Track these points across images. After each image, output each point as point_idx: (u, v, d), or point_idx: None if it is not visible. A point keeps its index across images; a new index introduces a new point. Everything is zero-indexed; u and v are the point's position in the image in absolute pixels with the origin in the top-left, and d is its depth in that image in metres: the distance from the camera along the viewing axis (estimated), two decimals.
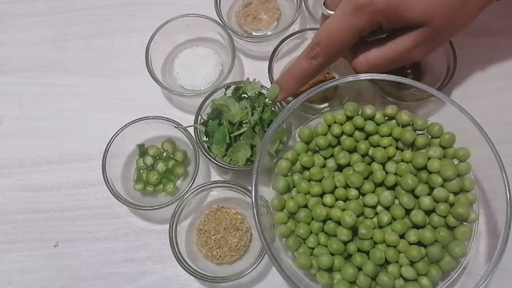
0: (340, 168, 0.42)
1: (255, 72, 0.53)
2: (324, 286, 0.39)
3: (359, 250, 0.39)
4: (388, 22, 0.34)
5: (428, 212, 0.39)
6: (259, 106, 0.44)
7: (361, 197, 0.40)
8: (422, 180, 0.40)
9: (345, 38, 0.35)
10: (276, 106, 0.45)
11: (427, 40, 0.35)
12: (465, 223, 0.39)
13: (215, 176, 0.50)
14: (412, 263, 0.38)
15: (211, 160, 0.45)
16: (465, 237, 0.38)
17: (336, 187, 0.40)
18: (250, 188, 0.38)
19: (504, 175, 0.37)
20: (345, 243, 0.39)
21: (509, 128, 0.49)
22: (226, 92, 0.47)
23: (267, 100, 0.42)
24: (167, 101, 0.53)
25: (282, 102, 0.44)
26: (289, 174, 0.42)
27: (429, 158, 0.40)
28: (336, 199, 0.40)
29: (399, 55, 0.36)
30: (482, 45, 0.53)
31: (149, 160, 0.49)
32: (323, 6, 0.39)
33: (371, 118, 0.43)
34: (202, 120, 0.47)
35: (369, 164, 0.42)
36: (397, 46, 0.35)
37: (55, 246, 0.48)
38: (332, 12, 0.37)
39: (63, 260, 0.47)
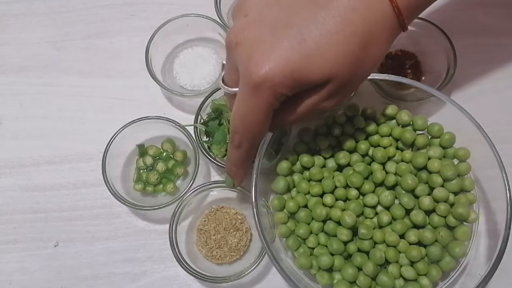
0: (340, 168, 0.42)
1: None
2: (324, 286, 0.39)
3: (359, 250, 0.39)
4: (292, 91, 0.31)
5: (428, 212, 0.39)
6: None
7: (361, 197, 0.40)
8: (422, 180, 0.40)
9: (258, 119, 0.32)
10: None
11: (335, 93, 0.32)
12: (465, 223, 0.39)
13: (215, 176, 0.50)
14: (412, 263, 0.38)
15: (211, 160, 0.45)
16: (465, 237, 0.38)
17: (336, 187, 0.40)
18: (250, 188, 0.38)
19: (504, 175, 0.37)
20: (345, 243, 0.39)
21: (509, 128, 0.49)
22: None
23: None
24: (167, 101, 0.53)
25: None
26: (289, 174, 0.42)
27: (429, 158, 0.40)
28: (336, 199, 0.40)
29: (309, 111, 0.33)
30: (482, 45, 0.53)
31: (149, 160, 0.49)
32: (222, 84, 0.36)
33: (371, 118, 0.43)
34: (202, 120, 0.47)
35: (369, 164, 0.42)
36: (305, 104, 0.33)
37: (55, 246, 0.48)
38: (234, 89, 0.34)
39: (63, 260, 0.47)
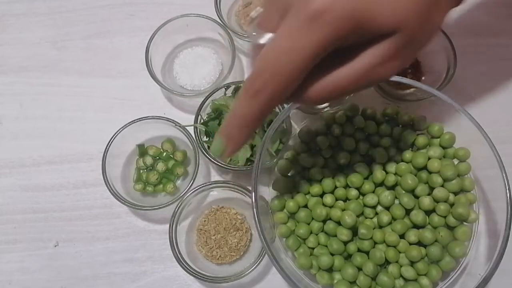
0: (340, 168, 0.42)
1: None
2: (324, 286, 0.39)
3: (359, 250, 0.39)
4: (354, 33, 0.25)
5: (428, 212, 0.39)
6: None
7: (361, 197, 0.40)
8: (422, 180, 0.40)
9: (300, 62, 0.24)
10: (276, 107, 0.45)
11: (399, 51, 0.26)
12: (465, 223, 0.39)
13: (215, 176, 0.50)
14: (412, 263, 0.38)
15: (211, 160, 0.45)
16: (465, 237, 0.38)
17: (336, 187, 0.40)
18: (250, 188, 0.38)
19: (504, 175, 0.37)
20: (345, 243, 0.39)
21: (509, 128, 0.49)
22: (226, 92, 0.47)
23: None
24: (167, 101, 0.53)
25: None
26: (289, 174, 0.42)
27: (429, 158, 0.40)
28: (336, 199, 0.40)
29: (364, 76, 0.26)
30: (482, 45, 0.53)
31: (149, 160, 0.49)
32: (256, 27, 0.27)
33: (371, 118, 0.43)
34: (202, 120, 0.47)
35: (369, 164, 0.42)
36: (361, 64, 0.26)
37: (55, 246, 0.48)
38: (271, 35, 0.26)
39: (63, 260, 0.47)
